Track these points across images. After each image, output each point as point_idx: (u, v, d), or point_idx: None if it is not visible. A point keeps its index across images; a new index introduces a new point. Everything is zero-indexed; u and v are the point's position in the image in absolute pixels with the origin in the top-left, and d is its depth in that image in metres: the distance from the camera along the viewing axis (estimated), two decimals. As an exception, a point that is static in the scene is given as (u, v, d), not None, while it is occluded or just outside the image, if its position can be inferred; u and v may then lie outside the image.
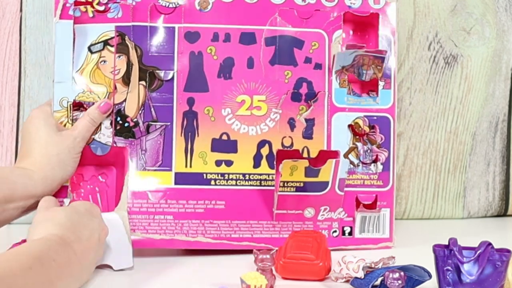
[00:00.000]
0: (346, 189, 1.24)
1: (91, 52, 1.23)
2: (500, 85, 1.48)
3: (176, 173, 1.23)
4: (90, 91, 1.23)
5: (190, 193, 1.22)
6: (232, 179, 1.23)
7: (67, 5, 1.23)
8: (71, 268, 0.97)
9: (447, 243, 1.01)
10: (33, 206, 1.16)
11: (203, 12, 1.25)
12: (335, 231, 1.25)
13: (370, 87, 1.27)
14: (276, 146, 1.24)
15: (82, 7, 1.23)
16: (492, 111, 1.48)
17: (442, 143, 1.47)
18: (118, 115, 1.23)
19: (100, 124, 1.22)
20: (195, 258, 1.20)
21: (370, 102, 1.27)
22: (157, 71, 1.23)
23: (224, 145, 1.24)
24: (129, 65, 1.23)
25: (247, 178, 1.24)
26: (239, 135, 1.24)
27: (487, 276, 0.99)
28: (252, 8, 1.26)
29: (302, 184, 1.21)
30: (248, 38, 1.25)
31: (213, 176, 1.23)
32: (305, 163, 1.19)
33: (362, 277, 1.03)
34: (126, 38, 1.23)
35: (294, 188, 1.22)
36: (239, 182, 1.23)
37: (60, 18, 1.22)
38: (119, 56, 1.23)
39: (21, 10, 1.40)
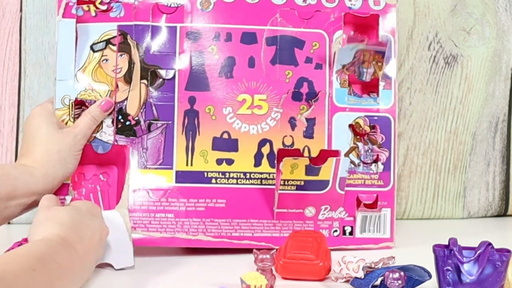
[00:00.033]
0: (346, 188, 1.24)
1: (93, 51, 1.24)
2: (500, 85, 1.48)
3: (177, 172, 1.23)
4: (92, 89, 1.23)
5: (191, 191, 1.22)
6: (233, 178, 1.23)
7: (70, 4, 1.23)
8: (73, 269, 0.97)
9: (447, 243, 1.01)
10: (35, 203, 1.16)
11: (205, 11, 1.26)
12: (335, 231, 1.25)
13: (370, 88, 1.27)
14: (277, 145, 1.24)
15: (84, 6, 1.24)
16: (492, 111, 1.48)
17: (442, 143, 1.47)
18: (119, 113, 1.23)
19: (102, 122, 1.23)
20: (195, 258, 1.20)
21: (370, 102, 1.27)
22: (158, 70, 1.24)
23: (225, 143, 1.24)
24: (131, 63, 1.24)
25: (248, 176, 1.24)
26: (240, 134, 1.24)
27: (487, 276, 0.99)
28: (253, 8, 1.26)
29: (302, 183, 1.21)
30: (249, 38, 1.26)
31: (214, 175, 1.23)
32: (306, 161, 1.20)
33: (362, 277, 1.03)
34: (128, 37, 1.24)
35: (295, 187, 1.22)
36: (240, 181, 1.24)
37: (63, 16, 1.23)
38: (121, 55, 1.24)
39: (21, 10, 1.40)
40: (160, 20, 1.25)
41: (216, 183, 1.23)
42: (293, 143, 1.25)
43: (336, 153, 1.23)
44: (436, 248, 1.01)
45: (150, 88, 1.24)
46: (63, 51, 1.23)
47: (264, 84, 1.25)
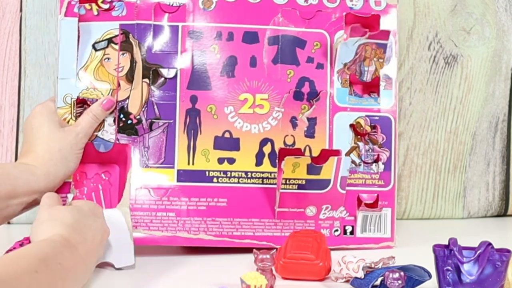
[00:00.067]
0: (348, 188, 1.24)
1: (95, 50, 1.24)
2: (500, 85, 1.48)
3: (178, 170, 1.23)
4: (94, 88, 1.23)
5: (192, 190, 1.22)
6: (234, 177, 1.24)
7: (72, 2, 1.24)
8: (76, 270, 0.96)
9: (447, 243, 1.01)
10: (36, 202, 1.16)
11: (207, 11, 1.26)
12: (336, 230, 1.25)
13: (371, 89, 1.27)
14: (278, 145, 1.24)
15: (87, 5, 1.24)
16: (492, 111, 1.48)
17: (442, 143, 1.47)
18: (121, 112, 1.23)
19: (103, 121, 1.23)
20: (195, 258, 1.20)
21: (371, 102, 1.27)
22: (160, 69, 1.24)
23: (227, 143, 1.24)
24: (132, 62, 1.24)
25: (249, 176, 1.24)
26: (241, 133, 1.24)
27: (487, 276, 0.99)
28: (255, 7, 1.26)
29: (304, 182, 1.21)
30: (251, 37, 1.26)
31: (215, 174, 1.23)
32: (307, 160, 1.20)
33: (362, 277, 1.03)
34: (130, 36, 1.24)
35: (296, 186, 1.22)
36: (241, 180, 1.24)
37: (65, 15, 1.23)
38: (123, 54, 1.24)
39: (21, 10, 1.40)
40: (162, 19, 1.25)
41: (218, 182, 1.23)
42: (294, 143, 1.25)
43: (337, 153, 1.23)
44: (436, 248, 1.01)
45: (152, 87, 1.24)
46: (65, 49, 1.23)
47: (266, 83, 1.25)
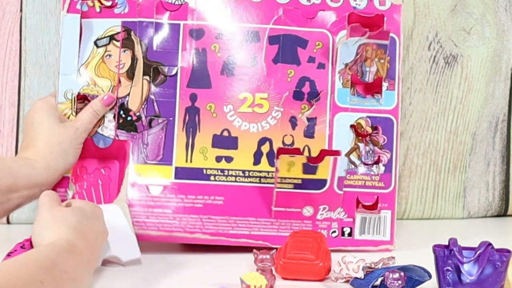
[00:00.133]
0: (347, 189, 1.24)
1: (97, 46, 1.25)
2: (500, 85, 1.48)
3: (176, 168, 1.23)
4: (95, 84, 1.24)
5: (190, 188, 1.23)
6: (231, 176, 1.24)
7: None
8: (81, 276, 0.95)
9: (447, 243, 1.01)
10: (36, 195, 1.17)
11: (208, 10, 1.26)
12: (334, 232, 1.25)
13: (375, 89, 1.27)
14: (277, 144, 1.24)
15: (89, 2, 1.25)
16: (492, 111, 1.48)
17: (442, 143, 1.47)
18: (121, 108, 1.24)
19: (104, 117, 1.24)
20: (195, 258, 1.20)
21: (373, 103, 1.27)
22: (161, 67, 1.25)
23: (225, 141, 1.24)
24: (133, 59, 1.25)
25: (246, 174, 1.24)
26: (240, 132, 1.24)
27: (487, 276, 0.99)
28: (257, 6, 1.26)
29: (300, 181, 1.21)
30: (252, 36, 1.26)
31: (213, 172, 1.23)
32: (303, 159, 1.20)
33: (362, 277, 1.03)
34: (132, 33, 1.25)
35: (292, 185, 1.22)
36: (239, 179, 1.24)
37: (68, 12, 1.24)
38: (124, 51, 1.25)
39: (21, 10, 1.40)
40: (163, 17, 1.26)
41: (215, 180, 1.23)
42: (293, 142, 1.25)
43: (336, 153, 1.23)
44: (436, 248, 1.01)
45: (152, 85, 1.24)
46: (67, 45, 1.24)
47: (266, 83, 1.25)
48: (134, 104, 1.24)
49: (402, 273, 0.98)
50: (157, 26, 1.26)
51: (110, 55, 1.25)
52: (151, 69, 1.25)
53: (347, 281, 1.06)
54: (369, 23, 1.27)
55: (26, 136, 1.21)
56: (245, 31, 1.26)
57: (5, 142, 1.41)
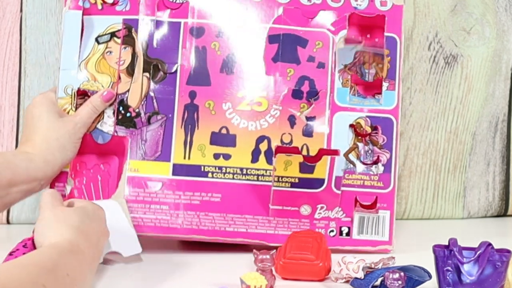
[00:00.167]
0: (345, 189, 1.24)
1: (98, 43, 1.26)
2: (500, 85, 1.48)
3: (174, 164, 1.23)
4: (95, 80, 1.25)
5: (187, 184, 1.23)
6: (229, 173, 1.24)
7: None
8: (83, 278, 0.94)
9: (447, 243, 1.01)
10: (35, 189, 1.19)
11: (209, 8, 1.26)
12: (332, 231, 1.24)
13: (375, 90, 1.27)
14: (275, 142, 1.24)
15: None
16: (492, 111, 1.48)
17: (442, 143, 1.47)
18: (120, 104, 1.25)
19: (103, 113, 1.24)
20: (195, 258, 1.20)
21: (373, 102, 1.27)
22: (161, 64, 1.25)
23: (223, 138, 1.24)
24: (134, 56, 1.25)
25: (244, 172, 1.24)
26: (238, 130, 1.25)
27: (487, 276, 0.99)
28: (257, 5, 1.26)
29: (297, 180, 1.22)
30: (252, 35, 1.26)
31: (211, 169, 1.24)
32: (300, 158, 1.20)
33: (362, 277, 1.03)
34: (133, 30, 1.26)
35: (289, 184, 1.22)
36: (236, 176, 1.24)
37: (70, 8, 1.25)
38: (124, 48, 1.25)
39: (21, 10, 1.40)
40: (164, 14, 1.26)
41: (213, 177, 1.23)
42: (291, 141, 1.25)
43: (335, 153, 1.23)
44: (436, 248, 1.01)
45: (152, 82, 1.25)
46: (68, 41, 1.25)
47: (265, 81, 1.26)
48: (133, 100, 1.25)
49: (402, 273, 0.98)
50: (158, 24, 1.26)
51: (110, 52, 1.26)
52: (151, 66, 1.25)
53: (347, 281, 1.06)
54: (370, 24, 1.27)
55: (26, 130, 1.22)
56: (245, 30, 1.26)
57: (5, 142, 1.41)
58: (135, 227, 1.19)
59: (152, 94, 1.25)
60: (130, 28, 1.26)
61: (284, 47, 1.26)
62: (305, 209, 1.24)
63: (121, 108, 1.24)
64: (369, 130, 1.26)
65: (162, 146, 1.24)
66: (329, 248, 1.14)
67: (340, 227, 1.24)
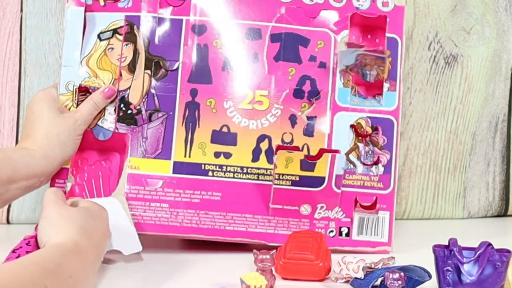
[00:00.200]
0: (345, 189, 1.24)
1: (100, 40, 1.26)
2: (500, 85, 1.48)
3: (174, 162, 1.23)
4: (96, 77, 1.25)
5: (187, 182, 1.23)
6: (229, 172, 1.24)
7: None
8: (85, 277, 0.94)
9: (447, 243, 1.01)
10: (35, 186, 1.19)
11: (211, 6, 1.26)
12: (331, 231, 1.24)
13: (376, 91, 1.27)
14: (276, 142, 1.24)
15: None
16: (492, 111, 1.48)
17: (442, 143, 1.47)
18: (122, 101, 1.25)
19: (104, 109, 1.25)
20: (195, 258, 1.20)
21: (374, 103, 1.27)
22: (162, 61, 1.25)
23: (224, 137, 1.24)
24: (135, 53, 1.26)
25: (244, 171, 1.24)
26: (239, 128, 1.25)
27: (487, 276, 0.99)
28: (260, 4, 1.27)
29: (297, 178, 1.22)
30: (253, 34, 1.26)
31: (211, 168, 1.24)
32: (301, 155, 1.20)
33: (362, 277, 1.03)
34: (135, 27, 1.26)
35: (290, 182, 1.22)
36: (237, 175, 1.24)
37: (72, 4, 1.26)
38: (126, 45, 1.25)
39: (21, 10, 1.40)
40: (166, 12, 1.26)
41: (213, 176, 1.24)
42: (292, 140, 1.25)
43: (336, 153, 1.23)
44: (436, 248, 1.01)
45: (153, 79, 1.25)
46: (70, 38, 1.25)
47: (266, 80, 1.26)
48: (134, 97, 1.25)
49: (402, 273, 0.98)
50: (160, 21, 1.26)
51: (112, 49, 1.26)
52: (153, 63, 1.25)
53: (347, 281, 1.06)
54: (372, 24, 1.27)
55: (26, 126, 1.22)
56: (247, 28, 1.27)
57: (5, 142, 1.41)
58: (135, 225, 1.19)
59: (153, 91, 1.25)
60: (132, 25, 1.26)
61: (286, 46, 1.26)
62: (305, 209, 1.24)
63: (122, 105, 1.25)
64: (369, 130, 1.26)
65: (162, 143, 1.24)
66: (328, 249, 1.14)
67: (340, 228, 1.24)
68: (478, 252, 0.99)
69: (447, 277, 1.00)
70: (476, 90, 1.47)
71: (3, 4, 1.40)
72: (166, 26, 1.26)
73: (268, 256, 1.04)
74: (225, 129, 1.25)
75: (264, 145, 1.25)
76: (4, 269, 0.84)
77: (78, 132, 1.22)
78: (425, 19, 1.46)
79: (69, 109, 1.24)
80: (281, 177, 1.22)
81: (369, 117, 1.26)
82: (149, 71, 1.25)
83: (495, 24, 1.47)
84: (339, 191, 1.23)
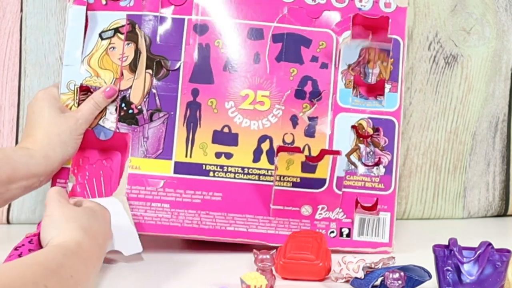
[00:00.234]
0: (346, 190, 1.24)
1: (102, 39, 1.26)
2: (500, 85, 1.48)
3: (176, 162, 1.23)
4: (97, 76, 1.25)
5: (188, 183, 1.23)
6: (230, 172, 1.24)
7: None
8: (87, 277, 0.94)
9: (447, 243, 1.01)
10: (35, 185, 1.19)
11: (213, 5, 1.26)
12: (332, 232, 1.24)
13: (378, 91, 1.27)
14: (277, 142, 1.24)
15: None
16: (492, 111, 1.48)
17: (442, 143, 1.47)
18: (123, 101, 1.25)
19: (105, 109, 1.25)
20: (196, 258, 1.20)
21: (375, 104, 1.27)
22: (164, 61, 1.25)
23: (225, 137, 1.24)
24: (137, 53, 1.25)
25: (246, 172, 1.24)
26: (240, 129, 1.25)
27: (487, 276, 0.99)
28: (262, 4, 1.27)
29: (298, 180, 1.22)
30: (255, 34, 1.26)
31: (212, 168, 1.24)
32: (302, 157, 1.20)
33: (362, 277, 1.03)
34: (136, 26, 1.26)
35: (291, 183, 1.22)
36: (238, 175, 1.24)
37: (74, 3, 1.25)
38: (128, 44, 1.25)
39: (21, 10, 1.40)
40: (168, 11, 1.26)
41: (214, 176, 1.24)
42: (293, 141, 1.25)
43: (336, 153, 1.23)
44: (436, 248, 1.01)
45: (154, 78, 1.25)
46: (71, 37, 1.25)
47: (268, 80, 1.26)
48: (136, 97, 1.25)
49: (402, 273, 0.98)
50: (162, 20, 1.26)
51: (113, 48, 1.26)
52: (154, 63, 1.25)
53: (347, 281, 1.06)
54: (374, 25, 1.27)
55: (27, 125, 1.22)
56: (249, 28, 1.27)
57: (5, 142, 1.41)
58: (135, 225, 1.19)
59: (154, 91, 1.25)
60: (134, 24, 1.26)
61: (288, 47, 1.26)
62: (306, 210, 1.24)
63: (123, 105, 1.25)
64: (371, 131, 1.26)
65: (164, 143, 1.24)
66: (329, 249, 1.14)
67: (341, 228, 1.24)
68: (478, 252, 0.99)
69: (447, 277, 1.00)
70: (476, 90, 1.47)
71: (3, 4, 1.40)
72: (167, 25, 1.26)
73: (268, 256, 1.04)
74: (226, 130, 1.25)
75: (265, 146, 1.25)
76: (7, 268, 0.84)
77: (79, 131, 1.22)
78: (425, 19, 1.46)
79: (70, 108, 1.24)
80: (282, 179, 1.22)
81: (371, 118, 1.26)
82: (150, 71, 1.25)
83: (495, 24, 1.47)
84: (340, 192, 1.23)
